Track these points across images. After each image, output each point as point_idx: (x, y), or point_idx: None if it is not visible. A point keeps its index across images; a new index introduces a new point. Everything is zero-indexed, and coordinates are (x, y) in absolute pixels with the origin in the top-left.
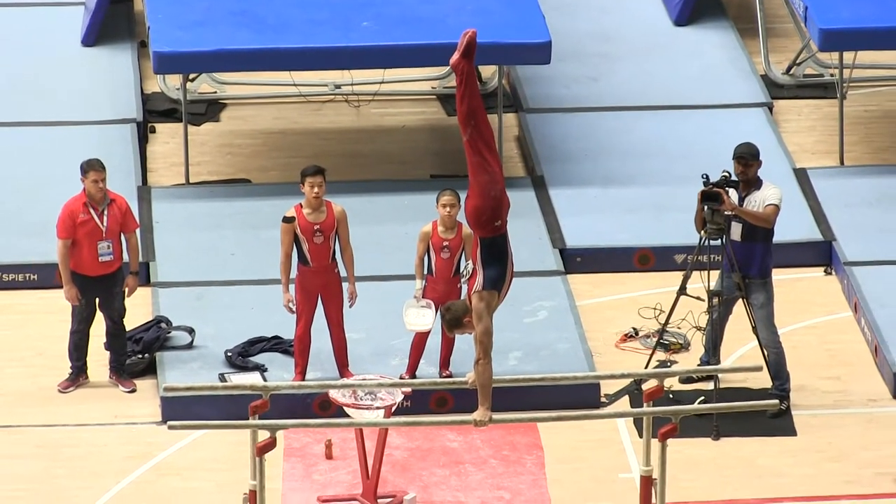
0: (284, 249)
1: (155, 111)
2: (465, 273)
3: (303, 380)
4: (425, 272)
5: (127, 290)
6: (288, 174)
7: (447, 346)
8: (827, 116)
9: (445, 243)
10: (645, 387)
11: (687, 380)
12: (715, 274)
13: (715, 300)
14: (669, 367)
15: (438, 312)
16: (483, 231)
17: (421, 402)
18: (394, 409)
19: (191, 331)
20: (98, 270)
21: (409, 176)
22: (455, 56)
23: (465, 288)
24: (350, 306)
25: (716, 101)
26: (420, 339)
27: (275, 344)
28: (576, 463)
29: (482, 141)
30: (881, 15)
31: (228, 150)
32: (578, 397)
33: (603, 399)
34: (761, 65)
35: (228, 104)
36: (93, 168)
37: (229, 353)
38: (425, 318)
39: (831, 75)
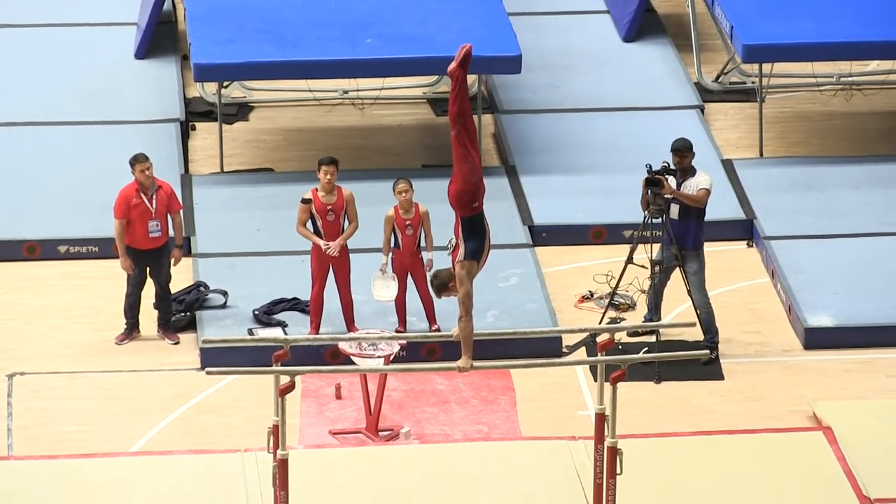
0: (300, 221)
1: (195, 112)
2: (449, 246)
3: (317, 333)
4: (392, 247)
5: (173, 260)
6: (305, 164)
7: (428, 305)
8: (749, 116)
9: (408, 222)
10: (599, 339)
11: (633, 334)
12: (656, 246)
13: (656, 268)
14: (619, 323)
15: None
16: (464, 211)
17: (414, 352)
18: (392, 357)
19: (225, 293)
20: (148, 245)
21: (404, 166)
22: (452, 65)
23: (426, 256)
24: (327, 249)
25: (657, 104)
26: (401, 300)
27: (294, 304)
28: (542, 402)
29: (467, 136)
30: (795, 33)
31: (256, 145)
32: (544, 348)
33: (564, 350)
34: (694, 74)
35: (256, 107)
36: (138, 161)
37: (256, 312)
38: (390, 289)
39: (752, 82)
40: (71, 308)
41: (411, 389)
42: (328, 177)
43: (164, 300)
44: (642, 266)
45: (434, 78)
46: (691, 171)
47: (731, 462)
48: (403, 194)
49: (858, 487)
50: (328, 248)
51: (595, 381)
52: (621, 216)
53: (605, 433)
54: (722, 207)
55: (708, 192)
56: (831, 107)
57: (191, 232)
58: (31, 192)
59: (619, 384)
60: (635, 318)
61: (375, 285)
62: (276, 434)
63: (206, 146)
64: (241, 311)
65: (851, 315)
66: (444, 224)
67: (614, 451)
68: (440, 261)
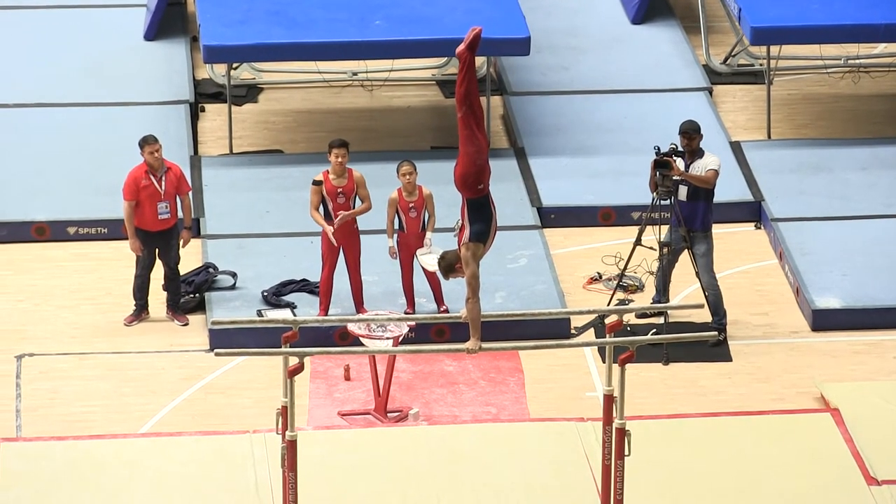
0: (313, 204)
1: (204, 94)
2: (455, 227)
3: (326, 315)
4: (396, 229)
5: (182, 241)
6: (314, 146)
7: (436, 286)
8: (757, 99)
9: (411, 205)
10: (607, 321)
11: (642, 315)
12: (665, 228)
13: (665, 250)
14: (627, 304)
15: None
16: (469, 193)
17: (423, 334)
18: (400, 339)
19: (234, 275)
20: (157, 226)
21: (413, 147)
22: (461, 46)
23: (427, 236)
24: (335, 219)
25: (665, 86)
26: (408, 282)
27: (303, 285)
28: (550, 384)
29: (474, 118)
30: (802, 15)
31: (265, 126)
32: (553, 329)
33: (573, 331)
34: (703, 56)
35: (265, 88)
36: (147, 143)
37: (265, 293)
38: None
39: (760, 65)
40: (80, 289)
41: (420, 371)
42: (339, 159)
43: (172, 281)
44: (650, 248)
45: (443, 60)
46: (699, 153)
47: (739, 443)
48: (407, 176)
49: (866, 469)
50: (336, 219)
51: (603, 362)
52: (630, 198)
53: (614, 414)
54: (730, 189)
55: (716, 172)
56: (839, 89)
57: (200, 213)
58: (40, 173)
59: (628, 365)
60: (643, 299)
61: (423, 260)
62: (285, 415)
63: (215, 128)
64: (250, 293)
65: (859, 297)
66: (451, 205)
67: (622, 433)
68: (445, 242)
